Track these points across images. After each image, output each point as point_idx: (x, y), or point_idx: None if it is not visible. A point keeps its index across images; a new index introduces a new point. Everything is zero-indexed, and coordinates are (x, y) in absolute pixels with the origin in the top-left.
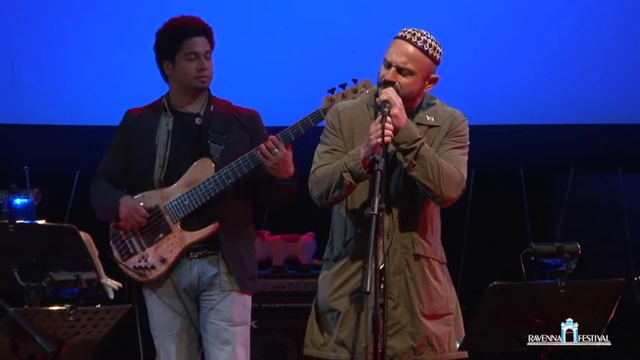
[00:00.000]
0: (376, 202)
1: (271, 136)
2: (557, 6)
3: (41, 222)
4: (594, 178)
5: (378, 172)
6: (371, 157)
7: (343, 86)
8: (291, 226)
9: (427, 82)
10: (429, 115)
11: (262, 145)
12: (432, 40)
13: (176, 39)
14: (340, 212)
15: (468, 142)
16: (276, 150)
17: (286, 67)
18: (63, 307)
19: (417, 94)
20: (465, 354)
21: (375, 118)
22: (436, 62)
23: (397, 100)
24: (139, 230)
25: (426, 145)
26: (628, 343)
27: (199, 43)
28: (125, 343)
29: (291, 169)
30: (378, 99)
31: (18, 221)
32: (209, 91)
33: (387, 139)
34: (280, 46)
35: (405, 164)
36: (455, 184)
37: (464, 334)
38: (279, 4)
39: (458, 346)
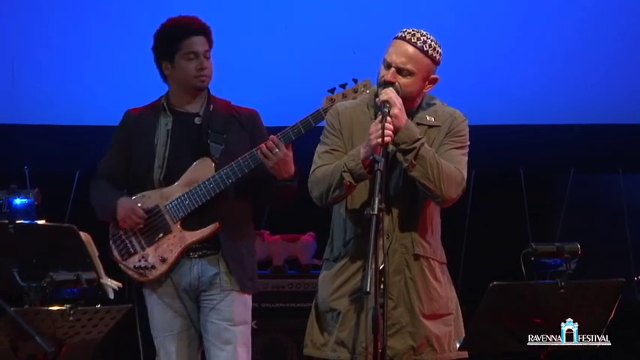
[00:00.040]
0: (376, 202)
1: (272, 136)
2: (557, 6)
3: (41, 222)
4: (594, 178)
5: (378, 172)
6: (371, 157)
7: (344, 86)
8: (291, 226)
9: (427, 83)
10: (428, 115)
11: (262, 144)
12: (431, 41)
13: (175, 39)
14: (340, 212)
15: (468, 142)
16: (277, 150)
17: (286, 67)
18: (63, 307)
19: (416, 94)
20: (465, 354)
21: (375, 118)
22: (436, 62)
23: (397, 101)
24: (138, 230)
25: (426, 145)
26: (628, 343)
27: (198, 43)
28: (125, 343)
29: (292, 168)
30: (378, 99)
31: (18, 221)
32: (208, 90)
33: (387, 139)
34: (280, 46)
35: (405, 164)
36: (455, 184)
37: (464, 334)
38: (279, 4)
39: (458, 346)
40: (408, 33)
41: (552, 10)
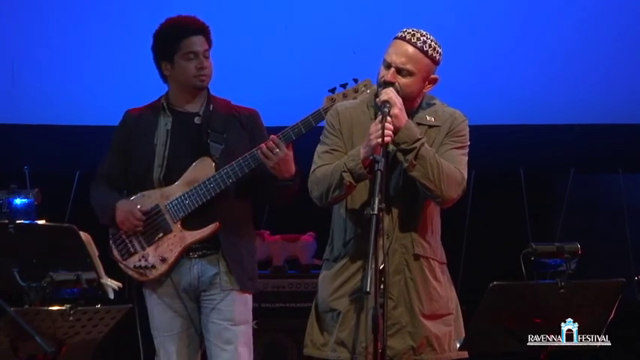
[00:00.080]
0: (376, 202)
1: (272, 136)
2: (557, 6)
3: (41, 222)
4: (594, 178)
5: (378, 172)
6: (371, 157)
7: (344, 86)
8: (291, 226)
9: (427, 83)
10: (429, 116)
11: (263, 144)
12: (431, 41)
13: (174, 39)
14: (340, 212)
15: (468, 142)
16: (277, 150)
17: (286, 67)
18: (63, 307)
19: (416, 94)
20: (465, 354)
21: (375, 118)
22: (436, 63)
23: (397, 101)
24: (138, 230)
25: (426, 145)
26: (628, 343)
27: (197, 42)
28: (125, 343)
29: (292, 168)
30: (378, 99)
31: (18, 221)
32: (208, 90)
33: (387, 139)
34: (280, 46)
35: (406, 164)
36: (455, 185)
37: (464, 334)
38: (279, 4)
39: (458, 346)
40: (408, 33)
41: (552, 10)
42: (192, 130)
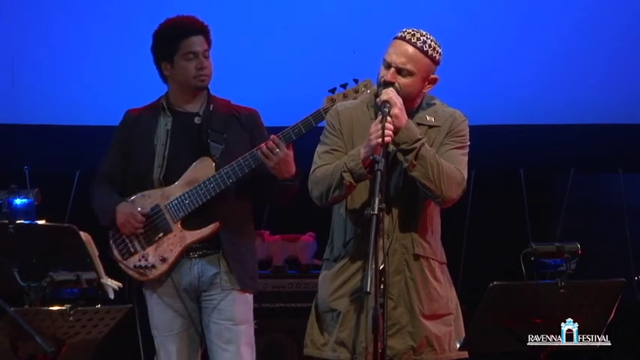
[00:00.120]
0: (376, 202)
1: (272, 136)
2: (557, 6)
3: (41, 222)
4: (594, 178)
5: (378, 172)
6: (371, 157)
7: (344, 86)
8: (291, 226)
9: (427, 83)
10: (429, 116)
11: (263, 144)
12: (431, 41)
13: (174, 39)
14: (340, 212)
15: (468, 143)
16: (277, 150)
17: (286, 67)
18: (63, 307)
19: (416, 94)
20: (465, 354)
21: (375, 118)
22: (436, 63)
23: (397, 101)
24: None
25: (426, 145)
26: (628, 343)
27: (197, 42)
28: (125, 343)
29: (293, 168)
30: (378, 99)
31: (18, 221)
32: (208, 90)
33: (387, 139)
34: (280, 46)
35: (406, 164)
36: (455, 185)
37: (464, 334)
38: (279, 4)
39: (458, 346)
40: (408, 33)
41: (552, 10)
42: (192, 130)
